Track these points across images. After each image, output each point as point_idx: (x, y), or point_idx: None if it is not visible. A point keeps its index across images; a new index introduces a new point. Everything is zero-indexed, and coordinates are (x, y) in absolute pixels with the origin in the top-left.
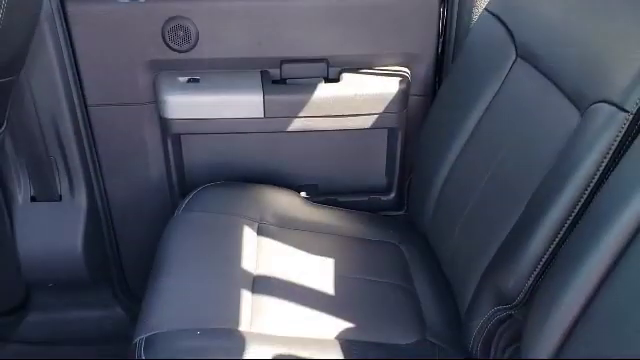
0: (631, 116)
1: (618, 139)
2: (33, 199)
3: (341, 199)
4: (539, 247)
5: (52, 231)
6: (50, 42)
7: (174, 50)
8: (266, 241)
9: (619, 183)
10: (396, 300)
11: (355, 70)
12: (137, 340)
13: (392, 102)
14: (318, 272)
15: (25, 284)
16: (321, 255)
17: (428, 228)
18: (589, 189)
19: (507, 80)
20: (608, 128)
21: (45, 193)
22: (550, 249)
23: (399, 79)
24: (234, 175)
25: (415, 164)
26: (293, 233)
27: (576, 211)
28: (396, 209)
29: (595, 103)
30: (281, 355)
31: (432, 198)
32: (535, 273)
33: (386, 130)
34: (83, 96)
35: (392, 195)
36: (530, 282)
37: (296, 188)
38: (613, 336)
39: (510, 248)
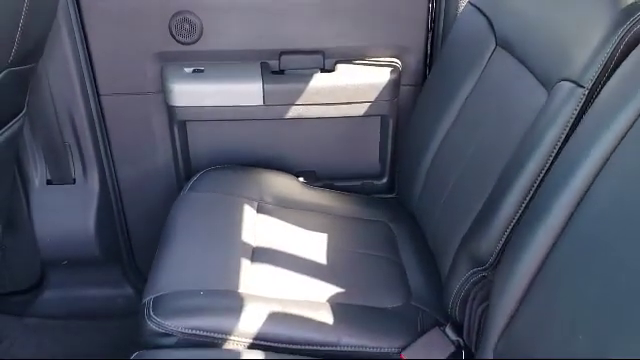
0: (587, 91)
1: (576, 112)
2: (49, 182)
3: (337, 184)
4: (508, 213)
5: (66, 212)
6: (65, 33)
7: (180, 42)
8: (265, 218)
9: (572, 151)
10: (384, 270)
11: (349, 61)
12: (145, 300)
13: (384, 91)
14: (312, 245)
15: (41, 263)
16: (315, 231)
17: (416, 207)
18: (550, 159)
19: (487, 68)
20: (568, 103)
21: (60, 177)
22: (517, 214)
23: (390, 69)
24: (236, 160)
25: (404, 149)
26: (290, 212)
27: (539, 179)
28: (388, 192)
29: (558, 82)
30: (276, 312)
31: (419, 180)
32: (504, 237)
33: (379, 118)
34: (96, 86)
35: (385, 180)
36: (500, 245)
37: (295, 174)
38: (568, 286)
39: (483, 216)
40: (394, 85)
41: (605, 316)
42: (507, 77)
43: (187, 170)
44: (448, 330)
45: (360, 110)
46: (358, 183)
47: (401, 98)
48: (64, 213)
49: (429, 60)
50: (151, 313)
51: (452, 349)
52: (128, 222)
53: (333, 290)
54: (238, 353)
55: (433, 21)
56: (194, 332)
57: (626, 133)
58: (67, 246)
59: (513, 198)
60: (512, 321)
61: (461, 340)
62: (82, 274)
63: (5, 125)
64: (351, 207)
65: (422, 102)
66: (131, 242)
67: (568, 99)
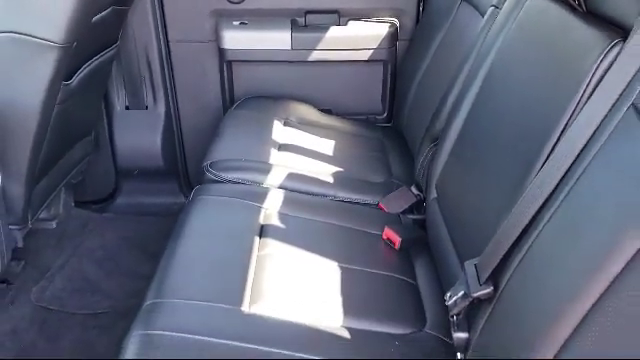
0: (498, 10)
1: (492, 26)
2: (127, 107)
3: (346, 117)
4: (451, 103)
5: (139, 132)
6: None
7: (230, 2)
8: (289, 129)
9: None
10: (374, 161)
11: (358, 19)
12: (206, 164)
13: (383, 41)
14: (323, 148)
15: (116, 174)
16: (327, 138)
17: (404, 126)
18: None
19: (454, 19)
20: (489, 23)
21: (136, 103)
22: (459, 109)
23: (389, 25)
24: (268, 93)
25: (398, 84)
26: (308, 127)
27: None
28: (386, 124)
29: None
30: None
31: (407, 104)
32: (448, 113)
33: (381, 64)
34: (166, 33)
35: (385, 115)
36: (444, 119)
37: None
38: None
39: (437, 110)
40: (392, 37)
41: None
42: (463, 18)
43: (231, 100)
44: None
45: (365, 55)
46: (363, 117)
47: (398, 50)
48: (138, 132)
49: (419, 20)
50: (210, 169)
51: None
52: (184, 141)
53: (334, 168)
54: None
55: None
56: (239, 181)
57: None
58: (139, 158)
59: (455, 91)
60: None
61: None
62: (148, 183)
63: (106, 49)
64: (355, 128)
65: (410, 51)
66: (185, 158)
67: (491, 19)
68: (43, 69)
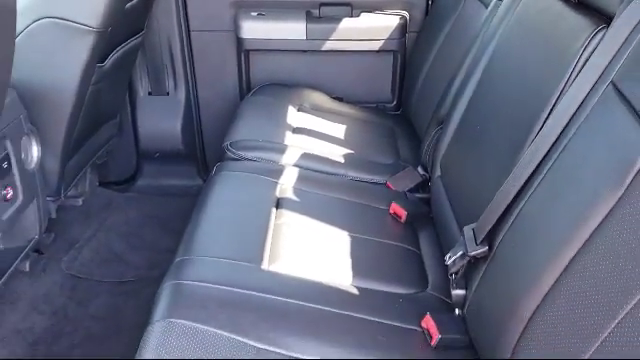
0: (500, 2)
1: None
2: (149, 93)
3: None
4: (456, 87)
5: (161, 116)
6: None
7: None
8: (303, 114)
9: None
10: (382, 144)
11: (370, 11)
12: (226, 144)
13: (394, 32)
14: (334, 131)
15: (138, 156)
16: (338, 123)
17: (412, 113)
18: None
19: (461, 11)
20: (492, 15)
21: (158, 89)
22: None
23: (399, 17)
24: (283, 82)
25: (407, 74)
26: (320, 113)
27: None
28: (395, 111)
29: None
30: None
31: (415, 93)
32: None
33: (391, 54)
34: (188, 23)
35: (394, 103)
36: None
37: None
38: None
39: (444, 95)
40: (402, 29)
41: None
42: (470, 12)
43: (248, 88)
44: None
45: (376, 46)
46: (373, 105)
47: (408, 41)
48: (159, 117)
49: (428, 12)
50: (230, 148)
51: None
52: (202, 126)
53: (345, 150)
54: None
55: None
56: (256, 159)
57: None
58: (160, 142)
59: (459, 78)
60: None
61: None
62: (168, 166)
63: (134, 36)
64: (366, 114)
65: (418, 42)
66: (203, 142)
67: (493, 10)
68: (81, 51)
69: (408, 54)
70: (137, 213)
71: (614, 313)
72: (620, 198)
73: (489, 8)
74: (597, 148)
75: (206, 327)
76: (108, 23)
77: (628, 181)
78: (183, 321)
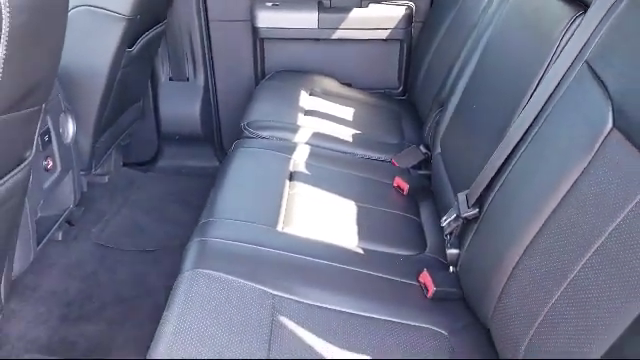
0: None
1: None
2: (170, 79)
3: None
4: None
5: (181, 101)
6: None
7: None
8: (314, 98)
9: None
10: (388, 126)
11: (378, 2)
12: (243, 123)
13: (400, 22)
14: (344, 113)
15: (159, 139)
16: (348, 106)
17: (416, 97)
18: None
19: (463, 2)
20: (490, 4)
21: (178, 75)
22: (456, 70)
23: (405, 8)
24: (296, 68)
25: (412, 61)
26: (330, 97)
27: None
28: (401, 96)
29: None
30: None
31: (420, 78)
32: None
33: (398, 43)
34: (206, 13)
35: (400, 89)
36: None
37: None
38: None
39: (445, 79)
40: (408, 19)
41: None
42: (473, 6)
43: (262, 74)
44: None
45: (383, 35)
46: (381, 91)
47: (414, 30)
48: (179, 101)
49: (432, 3)
50: (247, 127)
51: None
52: (219, 111)
53: (353, 130)
54: None
55: None
56: (271, 137)
57: None
58: (180, 125)
59: (459, 64)
60: None
61: None
62: (187, 148)
63: (158, 24)
64: (373, 99)
65: (423, 31)
66: (220, 126)
67: (491, 0)
68: (113, 36)
69: (414, 43)
70: (158, 191)
71: (583, 252)
72: (591, 160)
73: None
74: (572, 118)
75: (228, 276)
76: (137, 11)
77: (597, 145)
78: (208, 271)
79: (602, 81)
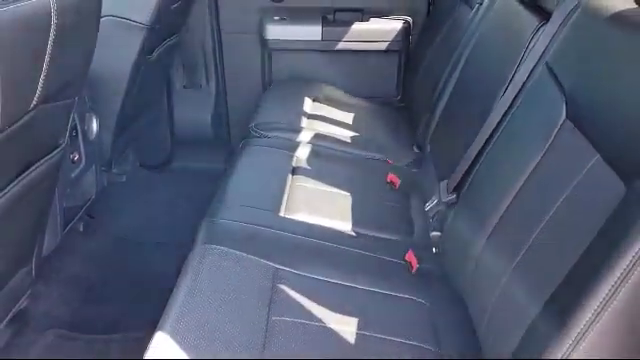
0: (481, 6)
1: None
2: (184, 87)
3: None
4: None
5: (194, 107)
6: None
7: (273, 1)
8: (318, 104)
9: None
10: (385, 130)
11: (379, 16)
12: (252, 124)
13: (399, 34)
14: (345, 117)
15: (172, 143)
16: (348, 112)
17: (411, 103)
18: None
19: (454, 16)
20: (475, 17)
21: (192, 83)
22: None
23: (403, 22)
24: (301, 77)
25: (408, 70)
26: (333, 104)
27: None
28: (399, 104)
29: (476, 4)
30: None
31: (415, 86)
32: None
33: (396, 54)
34: (219, 26)
35: (398, 97)
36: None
37: None
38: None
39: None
40: (405, 32)
41: None
42: (463, 19)
43: (270, 83)
44: None
45: (383, 46)
46: (380, 99)
47: (411, 43)
48: (192, 108)
49: (428, 17)
50: (255, 128)
51: None
52: (230, 117)
53: (352, 133)
54: None
55: None
56: (275, 137)
57: None
58: (193, 129)
59: (447, 71)
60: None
61: None
62: (198, 152)
63: (174, 34)
64: (372, 106)
65: (419, 43)
66: (230, 131)
67: (476, 13)
68: (135, 44)
69: (411, 54)
70: (172, 189)
71: (538, 223)
72: (548, 147)
73: (473, 11)
74: (533, 113)
75: (236, 251)
76: (157, 21)
77: (553, 134)
78: (218, 246)
79: (558, 80)
